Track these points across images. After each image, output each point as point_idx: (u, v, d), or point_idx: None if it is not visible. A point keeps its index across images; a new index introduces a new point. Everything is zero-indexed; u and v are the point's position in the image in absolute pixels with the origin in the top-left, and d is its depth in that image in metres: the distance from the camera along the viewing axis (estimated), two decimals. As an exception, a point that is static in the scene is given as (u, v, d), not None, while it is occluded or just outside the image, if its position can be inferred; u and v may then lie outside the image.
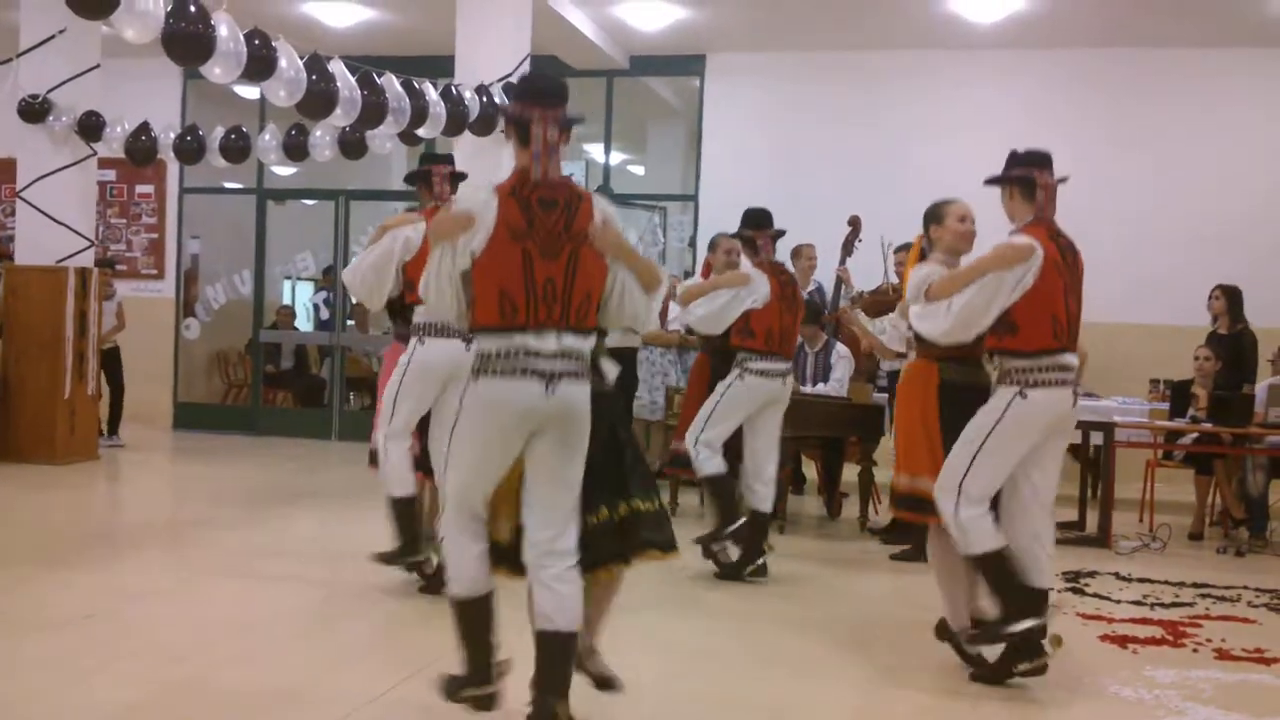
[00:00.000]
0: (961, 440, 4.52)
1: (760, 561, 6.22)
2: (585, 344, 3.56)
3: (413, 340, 5.49)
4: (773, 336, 6.23)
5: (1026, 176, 4.55)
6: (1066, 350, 4.47)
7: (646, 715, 4.09)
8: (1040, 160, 4.59)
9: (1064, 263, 4.47)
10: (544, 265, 3.48)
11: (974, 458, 4.45)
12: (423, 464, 5.63)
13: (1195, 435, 8.16)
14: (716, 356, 6.68)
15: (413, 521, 5.56)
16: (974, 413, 4.51)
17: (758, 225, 6.42)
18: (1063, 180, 4.61)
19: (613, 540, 3.70)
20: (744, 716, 4.22)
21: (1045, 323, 4.42)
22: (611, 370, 3.83)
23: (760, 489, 6.22)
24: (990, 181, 4.65)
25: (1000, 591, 4.49)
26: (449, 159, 6.04)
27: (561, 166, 3.64)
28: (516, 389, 3.46)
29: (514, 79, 9.44)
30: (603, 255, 3.59)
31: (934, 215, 4.84)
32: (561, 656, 3.57)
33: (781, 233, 6.51)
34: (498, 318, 3.49)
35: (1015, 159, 4.62)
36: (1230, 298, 8.74)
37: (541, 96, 3.61)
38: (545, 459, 3.55)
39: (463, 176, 5.90)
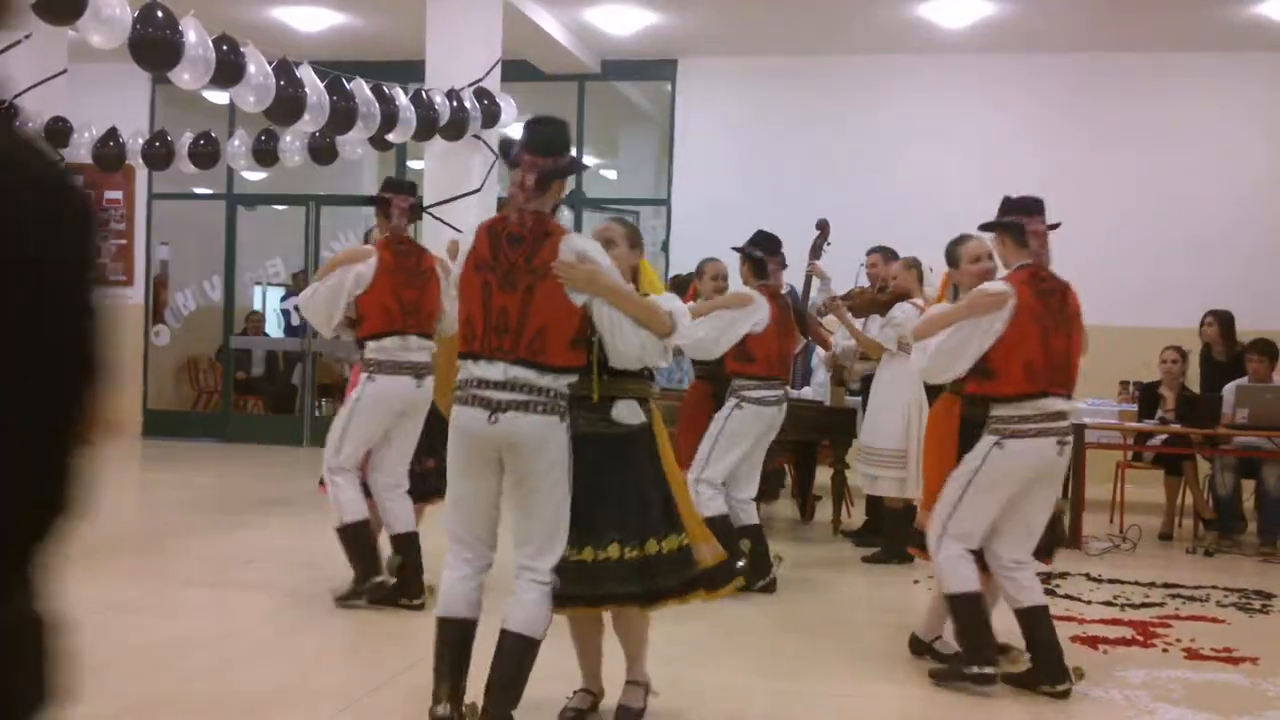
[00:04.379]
0: (951, 479, 4.56)
1: (770, 577, 6.08)
2: (539, 377, 3.58)
3: (363, 376, 5.53)
4: (772, 362, 5.94)
5: (1016, 223, 4.62)
6: (1048, 393, 4.48)
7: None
8: (1029, 207, 4.64)
9: (1043, 307, 4.52)
10: (500, 296, 3.61)
11: (960, 498, 4.52)
12: (416, 489, 5.69)
13: (1164, 436, 8.23)
14: (716, 384, 6.20)
15: (367, 542, 5.57)
16: None
17: (772, 250, 6.15)
18: (1054, 227, 4.66)
19: (626, 580, 3.74)
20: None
21: (1018, 368, 4.46)
22: (626, 413, 3.84)
23: (739, 506, 6.02)
24: (984, 227, 4.74)
25: (964, 635, 4.58)
26: (411, 188, 5.94)
27: (545, 205, 3.71)
28: (465, 415, 3.60)
29: (485, 83, 9.43)
30: (569, 290, 3.60)
31: (950, 258, 4.89)
32: (509, 657, 3.64)
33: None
34: (462, 343, 3.68)
35: (1007, 205, 4.68)
36: (1223, 323, 8.59)
37: (528, 145, 3.72)
38: (510, 488, 3.69)
39: (421, 209, 5.88)
